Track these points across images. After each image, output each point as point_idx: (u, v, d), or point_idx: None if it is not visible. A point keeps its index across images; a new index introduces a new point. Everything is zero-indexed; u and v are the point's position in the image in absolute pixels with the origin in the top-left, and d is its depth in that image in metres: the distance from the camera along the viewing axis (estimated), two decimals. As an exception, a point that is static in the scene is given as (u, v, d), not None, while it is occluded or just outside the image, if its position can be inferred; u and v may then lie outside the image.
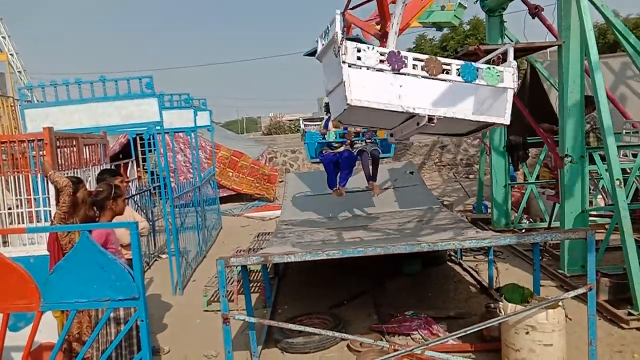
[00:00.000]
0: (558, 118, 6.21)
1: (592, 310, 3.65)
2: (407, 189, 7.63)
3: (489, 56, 3.84)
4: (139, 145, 10.49)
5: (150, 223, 8.37)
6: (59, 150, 4.65)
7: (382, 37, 3.95)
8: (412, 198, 7.35)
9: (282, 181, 13.62)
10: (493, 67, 3.52)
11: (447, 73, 3.42)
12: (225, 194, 13.35)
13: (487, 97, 3.61)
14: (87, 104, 5.84)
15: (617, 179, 4.98)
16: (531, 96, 8.69)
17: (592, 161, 6.09)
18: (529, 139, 8.17)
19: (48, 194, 4.48)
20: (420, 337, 4.50)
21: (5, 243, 4.62)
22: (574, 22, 5.65)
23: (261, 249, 6.11)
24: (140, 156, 10.57)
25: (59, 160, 4.63)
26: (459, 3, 8.27)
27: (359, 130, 6.68)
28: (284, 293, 6.20)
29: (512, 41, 7.73)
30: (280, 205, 9.45)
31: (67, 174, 4.32)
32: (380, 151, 6.88)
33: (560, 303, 3.84)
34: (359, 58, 3.23)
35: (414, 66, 3.36)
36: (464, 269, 6.56)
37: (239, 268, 5.33)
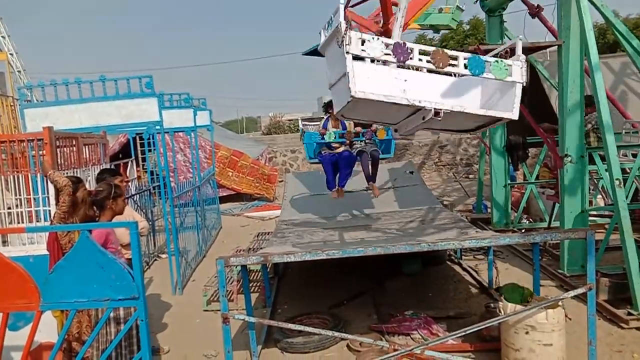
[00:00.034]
0: (558, 118, 6.22)
1: (591, 310, 3.65)
2: (407, 189, 7.63)
3: (497, 50, 3.73)
4: (138, 145, 10.50)
5: (150, 223, 8.37)
6: (58, 149, 4.65)
7: (384, 35, 3.91)
8: (412, 198, 7.35)
9: (281, 181, 13.62)
10: (501, 61, 3.42)
11: (454, 66, 3.30)
12: (225, 194, 13.35)
13: (495, 92, 3.53)
14: (86, 104, 5.84)
15: (617, 179, 4.98)
16: (531, 96, 8.68)
17: (592, 161, 6.09)
18: (529, 139, 8.17)
19: (48, 193, 4.48)
20: (420, 337, 4.50)
21: (4, 243, 4.62)
22: (574, 22, 5.65)
23: (261, 248, 6.11)
24: (140, 156, 10.57)
25: (59, 160, 4.63)
26: (457, 6, 8.27)
27: (359, 130, 6.61)
28: (283, 293, 6.20)
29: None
30: (279, 205, 9.46)
31: (67, 173, 4.32)
32: (380, 152, 6.82)
33: (560, 303, 3.84)
34: (363, 49, 3.12)
35: (420, 59, 3.23)
36: (464, 269, 6.56)
37: (239, 268, 5.34)
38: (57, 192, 3.63)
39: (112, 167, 6.52)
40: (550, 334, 3.69)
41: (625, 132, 7.86)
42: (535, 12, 7.38)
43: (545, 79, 9.16)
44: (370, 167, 6.61)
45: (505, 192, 8.48)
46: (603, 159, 5.53)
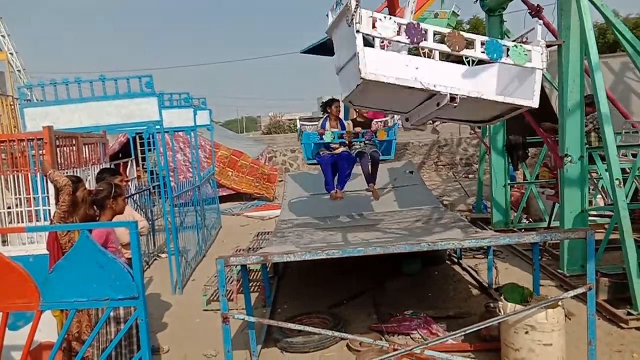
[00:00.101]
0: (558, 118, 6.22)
1: (591, 310, 3.65)
2: (407, 189, 7.63)
3: (515, 37, 3.58)
4: (138, 145, 10.49)
5: (150, 222, 8.37)
6: (58, 149, 4.64)
7: None
8: (411, 197, 7.34)
9: (281, 180, 13.62)
10: (521, 45, 3.26)
11: (470, 49, 3.11)
12: (224, 193, 13.35)
13: (514, 78, 3.37)
14: (86, 103, 5.84)
15: (617, 179, 4.98)
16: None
17: (592, 161, 6.09)
18: (529, 139, 8.17)
19: (47, 193, 4.47)
20: (420, 337, 4.50)
21: (4, 242, 4.62)
22: (574, 21, 5.65)
23: (261, 248, 6.10)
24: (139, 155, 10.56)
25: (59, 160, 4.63)
26: (452, 11, 8.28)
27: (358, 130, 6.49)
28: (283, 292, 6.20)
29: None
30: (279, 205, 9.46)
31: (67, 173, 4.32)
32: (380, 153, 6.66)
33: (560, 303, 3.84)
34: (374, 27, 2.93)
35: (434, 41, 3.02)
36: (464, 269, 6.56)
37: (239, 267, 5.33)
38: (57, 191, 3.63)
39: (112, 166, 6.52)
40: (550, 334, 3.69)
41: (625, 132, 7.87)
42: (535, 12, 7.37)
43: (545, 79, 9.15)
44: (370, 168, 6.44)
45: (505, 192, 8.48)
46: (603, 159, 5.54)
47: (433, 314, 4.90)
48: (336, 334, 4.23)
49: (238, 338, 4.79)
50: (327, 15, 3.33)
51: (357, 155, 6.49)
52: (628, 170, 6.32)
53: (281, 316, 5.34)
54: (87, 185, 4.08)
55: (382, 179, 7.59)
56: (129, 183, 8.66)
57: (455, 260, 6.92)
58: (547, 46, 6.47)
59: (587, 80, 5.78)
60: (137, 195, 8.37)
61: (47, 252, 3.71)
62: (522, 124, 6.96)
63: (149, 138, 9.96)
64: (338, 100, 6.76)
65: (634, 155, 6.70)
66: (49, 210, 4.47)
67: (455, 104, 3.07)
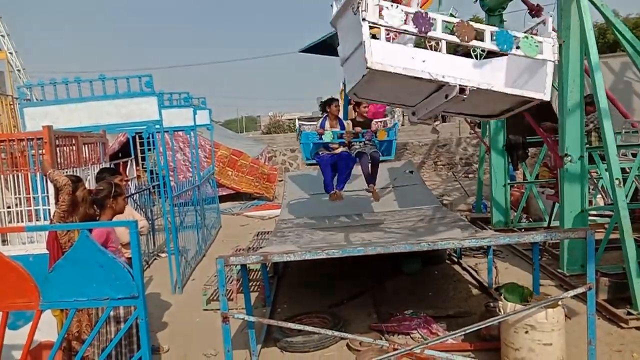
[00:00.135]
0: (558, 118, 6.22)
1: (591, 310, 3.65)
2: (407, 188, 7.63)
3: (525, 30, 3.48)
4: (138, 144, 10.49)
5: (150, 222, 8.37)
6: (58, 149, 4.65)
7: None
8: (411, 197, 7.34)
9: (281, 180, 13.61)
10: (531, 37, 3.18)
11: (480, 40, 3.03)
12: (224, 193, 13.36)
13: (524, 71, 3.29)
14: (86, 103, 5.83)
15: (617, 179, 4.98)
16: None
17: (592, 161, 6.09)
18: (529, 139, 8.17)
19: (47, 192, 4.48)
20: (420, 336, 4.50)
21: (4, 242, 4.62)
22: (573, 21, 5.65)
23: (261, 248, 6.10)
24: (139, 155, 10.56)
25: (59, 159, 4.63)
26: (450, 14, 8.29)
27: (358, 130, 6.44)
28: (283, 292, 6.19)
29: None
30: (279, 204, 9.46)
31: (67, 172, 4.32)
32: (380, 153, 6.61)
33: (559, 302, 3.84)
34: (381, 16, 2.84)
35: (443, 31, 2.92)
36: (464, 268, 6.55)
37: (239, 267, 5.34)
38: (57, 191, 3.63)
39: (112, 166, 6.53)
40: (550, 334, 3.69)
41: (625, 132, 7.87)
42: (535, 11, 7.36)
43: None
44: (370, 169, 6.39)
45: (505, 191, 8.48)
46: (603, 158, 5.54)
47: (433, 314, 4.90)
48: (336, 333, 4.23)
49: (238, 337, 4.79)
50: (332, 6, 3.26)
51: (356, 155, 6.43)
52: (628, 170, 6.32)
53: (281, 316, 5.34)
54: (87, 185, 4.08)
55: (382, 179, 7.58)
56: (129, 183, 8.66)
57: (455, 259, 6.92)
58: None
59: (587, 80, 5.78)
60: (137, 194, 8.36)
61: (47, 251, 3.71)
62: (522, 124, 6.96)
63: (148, 138, 9.96)
64: (337, 100, 6.75)
65: (634, 155, 6.70)
66: (49, 209, 4.47)
67: (464, 96, 2.99)
